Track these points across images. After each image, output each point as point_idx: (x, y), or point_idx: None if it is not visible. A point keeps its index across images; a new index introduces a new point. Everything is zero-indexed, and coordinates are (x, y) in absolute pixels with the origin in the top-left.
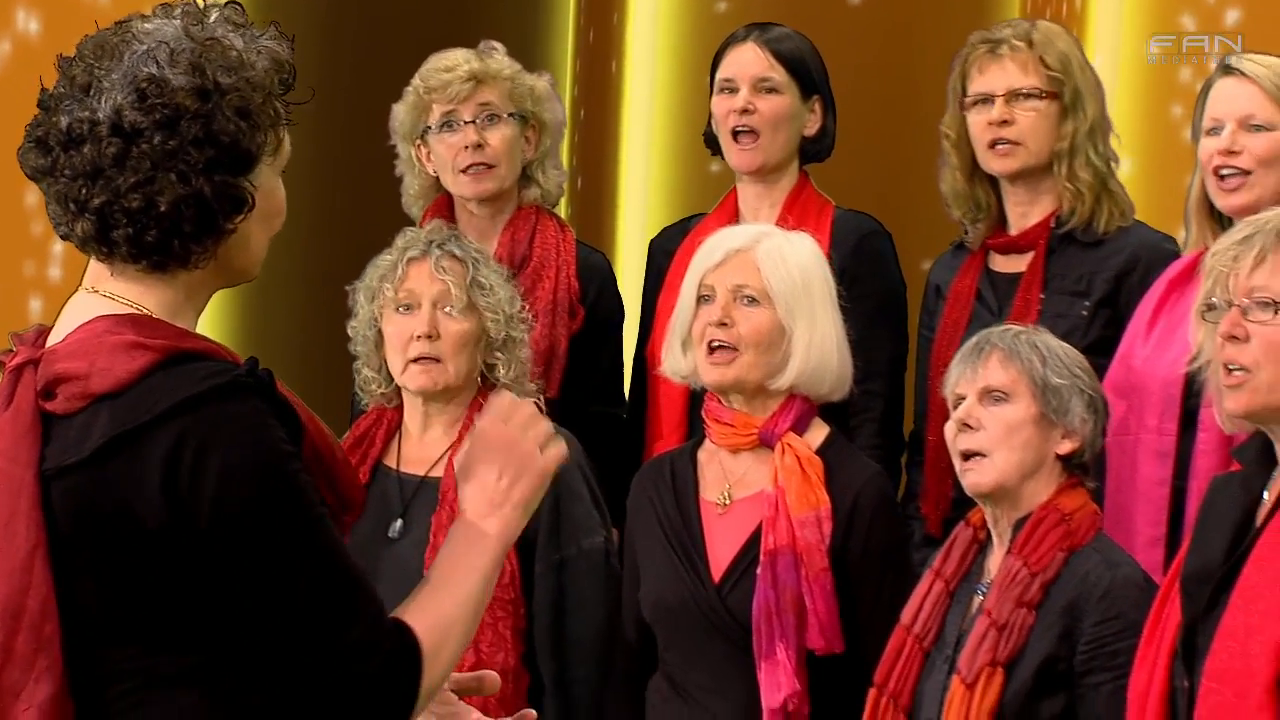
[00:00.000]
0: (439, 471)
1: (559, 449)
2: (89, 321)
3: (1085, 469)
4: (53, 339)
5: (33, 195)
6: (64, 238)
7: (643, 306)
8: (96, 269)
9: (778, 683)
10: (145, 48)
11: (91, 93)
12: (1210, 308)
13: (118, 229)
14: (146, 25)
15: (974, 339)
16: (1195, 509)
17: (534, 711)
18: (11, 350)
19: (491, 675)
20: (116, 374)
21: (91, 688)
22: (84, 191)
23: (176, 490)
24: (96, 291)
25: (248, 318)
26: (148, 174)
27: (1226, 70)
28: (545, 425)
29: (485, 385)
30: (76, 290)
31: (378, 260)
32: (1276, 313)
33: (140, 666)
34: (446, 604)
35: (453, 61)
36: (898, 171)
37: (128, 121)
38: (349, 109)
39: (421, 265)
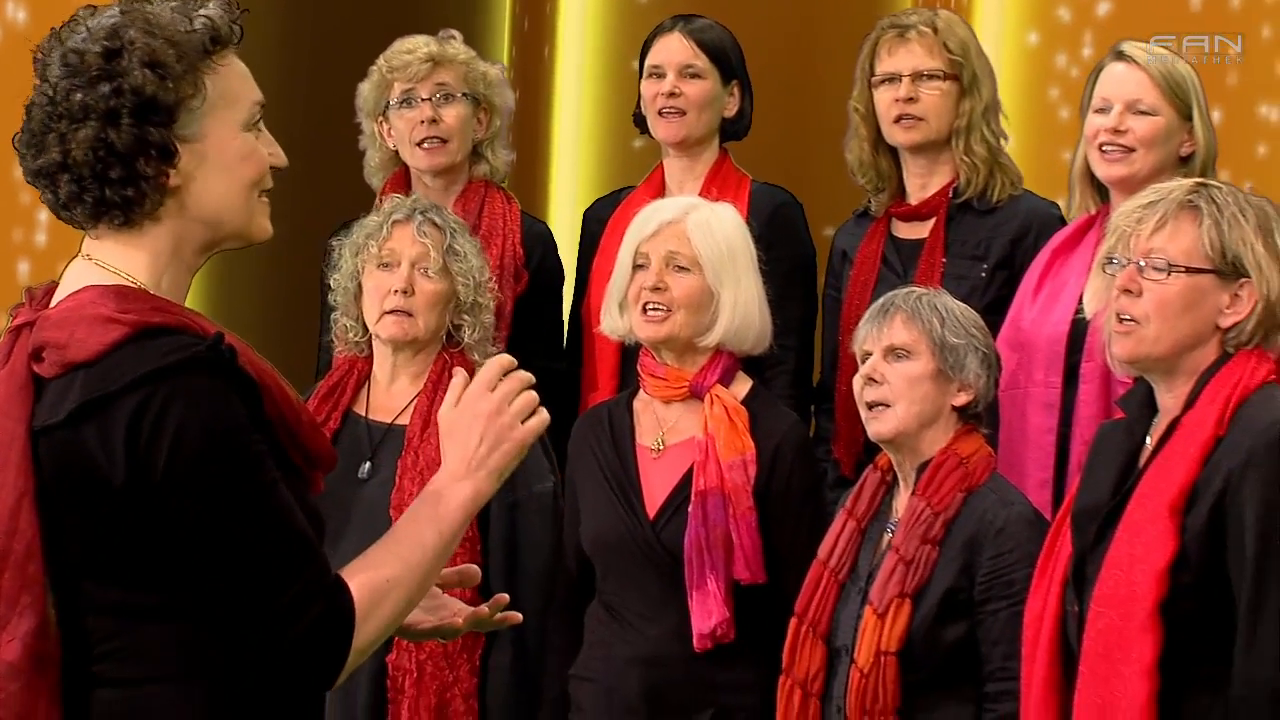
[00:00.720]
0: (405, 419)
1: (539, 420)
2: (79, 290)
3: (979, 418)
4: (54, 301)
5: (19, 167)
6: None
7: (578, 270)
8: (93, 241)
9: (708, 610)
10: (81, 29)
11: (42, 79)
12: (1110, 261)
13: (60, 188)
14: (92, 14)
15: (880, 301)
16: (1079, 454)
17: (506, 595)
18: (21, 305)
19: (472, 569)
20: (90, 346)
21: (73, 621)
22: (30, 159)
23: (136, 453)
24: (90, 258)
25: (213, 277)
26: (66, 129)
27: (1119, 56)
28: (530, 397)
29: (450, 344)
30: (75, 256)
31: (364, 221)
32: (1169, 274)
33: (117, 602)
34: (394, 566)
35: (413, 45)
36: (799, 148)
37: (55, 90)
38: (308, 91)
39: (405, 228)
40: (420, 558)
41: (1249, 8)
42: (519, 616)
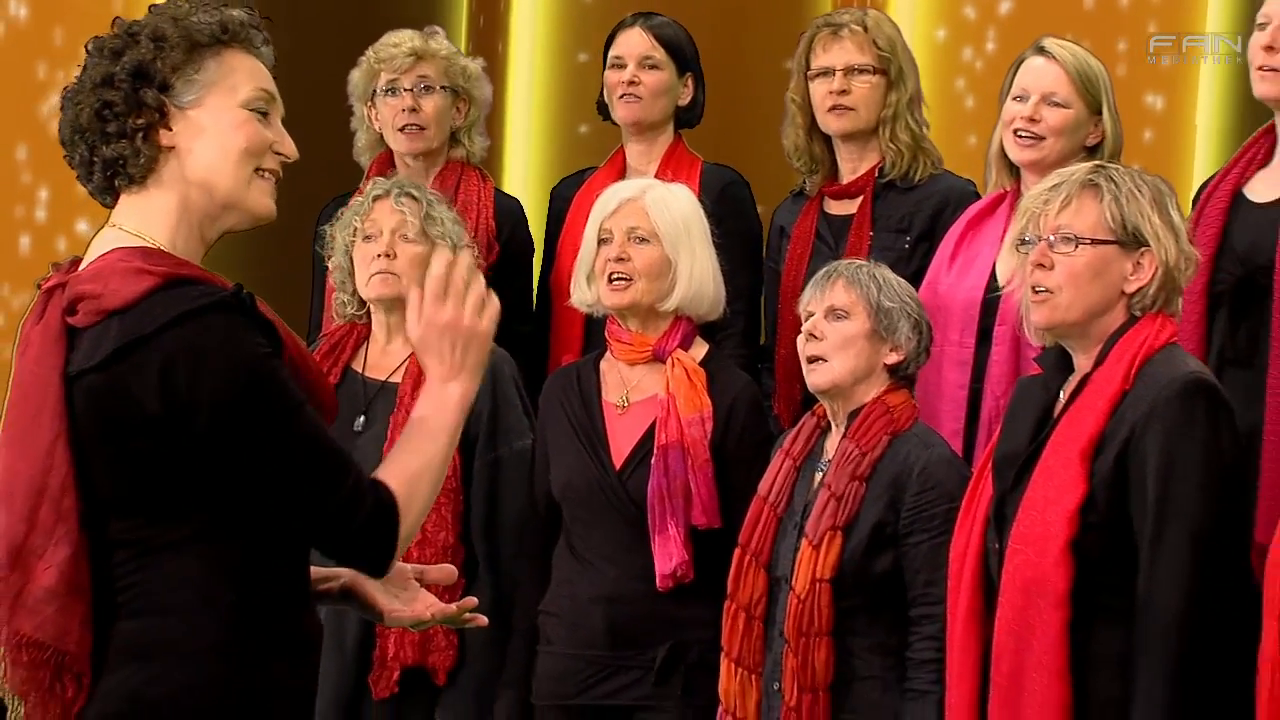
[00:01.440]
0: (398, 378)
1: (494, 309)
2: (107, 252)
3: (910, 380)
4: (83, 265)
5: (23, 150)
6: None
7: (546, 243)
8: (115, 209)
9: (669, 553)
10: (118, 27)
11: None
12: (1023, 241)
13: (78, 155)
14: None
15: (825, 268)
16: (989, 408)
17: (474, 599)
18: (49, 275)
19: (449, 569)
20: (124, 294)
21: (102, 552)
22: (61, 133)
23: (174, 390)
24: (115, 226)
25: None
26: (80, 95)
27: (1040, 50)
28: (479, 290)
29: None
30: (102, 227)
31: (351, 202)
32: (1076, 247)
33: (142, 535)
34: (417, 461)
35: (400, 39)
36: (730, 135)
37: (84, 72)
38: (285, 81)
39: (384, 202)
40: (436, 450)
41: (1137, 7)
42: (484, 620)
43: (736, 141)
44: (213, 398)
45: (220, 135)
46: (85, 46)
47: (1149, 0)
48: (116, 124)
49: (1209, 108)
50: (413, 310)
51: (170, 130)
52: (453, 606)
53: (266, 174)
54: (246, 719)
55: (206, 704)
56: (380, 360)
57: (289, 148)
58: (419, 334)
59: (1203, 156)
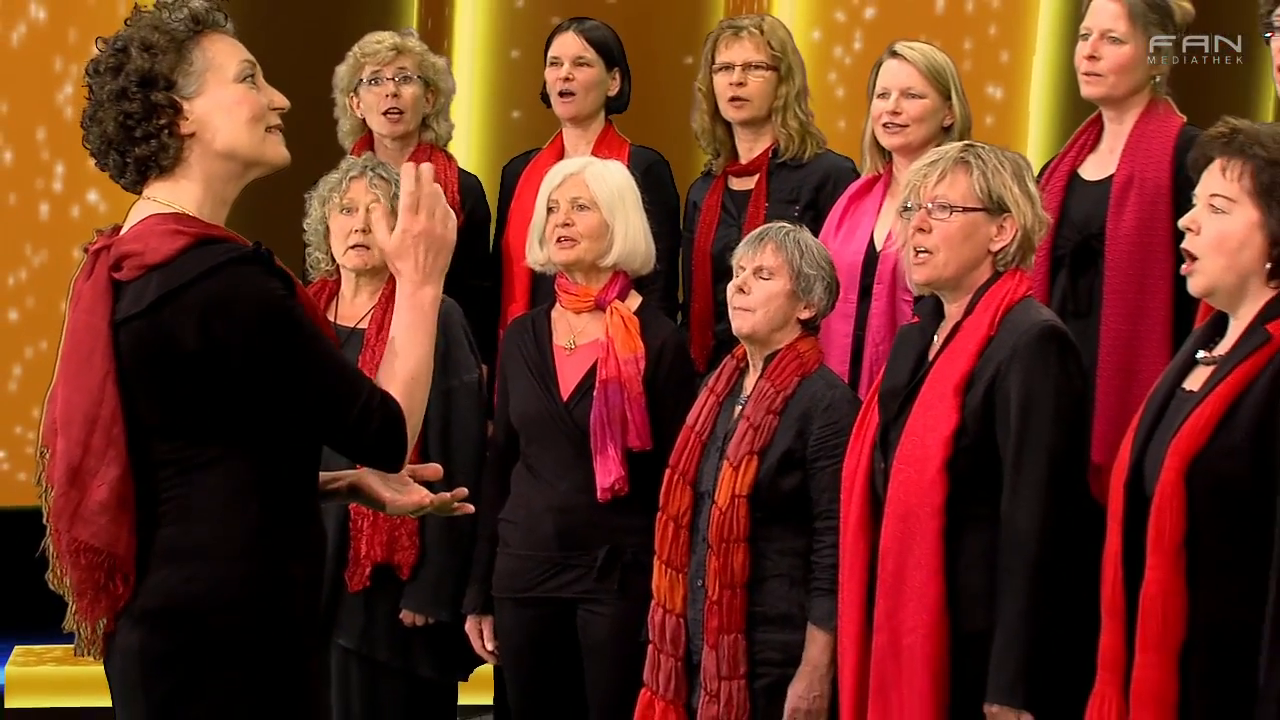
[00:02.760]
0: (364, 324)
1: (454, 220)
2: (144, 219)
3: (818, 329)
4: (124, 230)
5: (42, 131)
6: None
7: (498, 212)
8: (147, 188)
9: (608, 470)
10: (105, 46)
11: (88, 87)
12: (906, 208)
13: (110, 160)
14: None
15: (758, 230)
16: (869, 354)
17: (465, 489)
18: (94, 240)
19: (436, 466)
20: (163, 251)
21: (146, 471)
22: (89, 144)
23: (210, 331)
24: (149, 199)
25: None
26: (102, 114)
27: (893, 54)
28: (445, 204)
29: None
30: (137, 200)
31: (327, 177)
32: (950, 214)
33: (179, 456)
34: (410, 365)
35: (381, 37)
36: (637, 118)
37: (92, 89)
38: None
39: (360, 181)
40: (422, 353)
41: (980, 9)
42: (471, 508)
43: (644, 124)
44: (245, 338)
45: (226, 112)
46: (85, 70)
47: (990, 5)
48: (141, 129)
49: (1039, 97)
50: (386, 219)
51: (187, 120)
52: (446, 495)
53: (273, 128)
54: (267, 611)
55: (233, 599)
56: (349, 310)
57: (280, 99)
58: (394, 241)
59: (1034, 138)
